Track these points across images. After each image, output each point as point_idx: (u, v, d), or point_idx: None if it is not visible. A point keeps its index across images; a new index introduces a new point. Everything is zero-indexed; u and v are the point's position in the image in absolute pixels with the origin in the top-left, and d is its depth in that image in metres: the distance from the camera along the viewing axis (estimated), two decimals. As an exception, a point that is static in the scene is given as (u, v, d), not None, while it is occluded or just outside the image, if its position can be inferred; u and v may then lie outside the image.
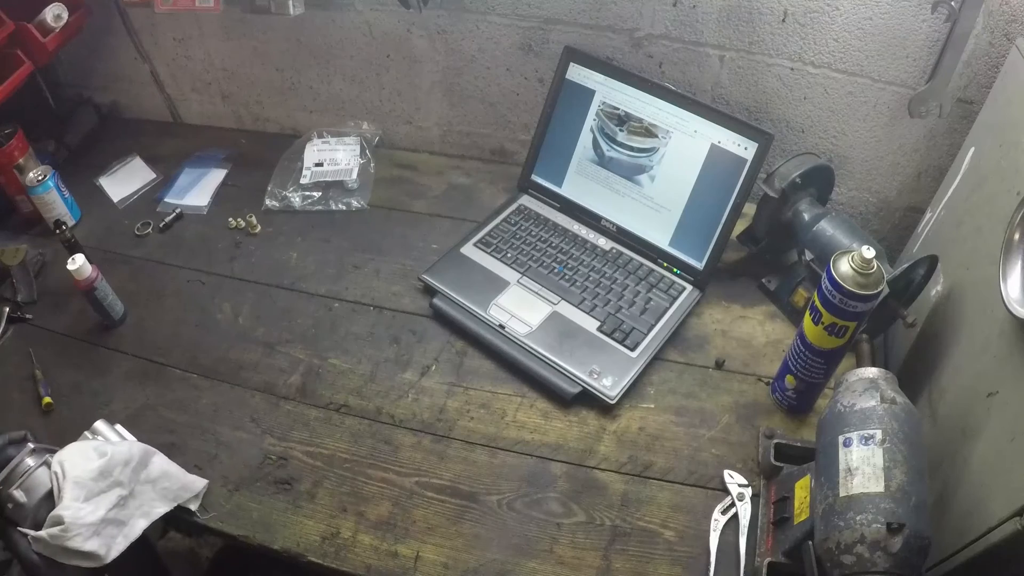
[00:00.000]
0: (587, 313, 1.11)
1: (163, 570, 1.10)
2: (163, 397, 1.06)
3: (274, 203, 1.34)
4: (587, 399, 1.02)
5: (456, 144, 1.47)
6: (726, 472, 0.93)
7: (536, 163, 1.28)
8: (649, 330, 1.08)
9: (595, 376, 1.02)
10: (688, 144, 1.12)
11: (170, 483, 0.90)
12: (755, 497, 0.91)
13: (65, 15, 1.25)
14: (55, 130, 1.48)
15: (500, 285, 1.15)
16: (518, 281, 1.16)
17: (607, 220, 1.22)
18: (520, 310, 1.11)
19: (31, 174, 1.24)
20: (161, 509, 0.88)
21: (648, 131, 1.15)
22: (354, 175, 1.36)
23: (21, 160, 1.27)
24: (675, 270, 1.16)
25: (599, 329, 1.09)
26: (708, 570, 0.85)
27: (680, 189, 1.14)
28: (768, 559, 0.82)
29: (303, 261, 1.25)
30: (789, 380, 0.97)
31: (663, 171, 1.15)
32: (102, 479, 0.83)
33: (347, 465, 0.97)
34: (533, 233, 1.23)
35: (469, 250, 1.21)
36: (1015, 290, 0.72)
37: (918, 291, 0.98)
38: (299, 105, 1.50)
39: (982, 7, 0.95)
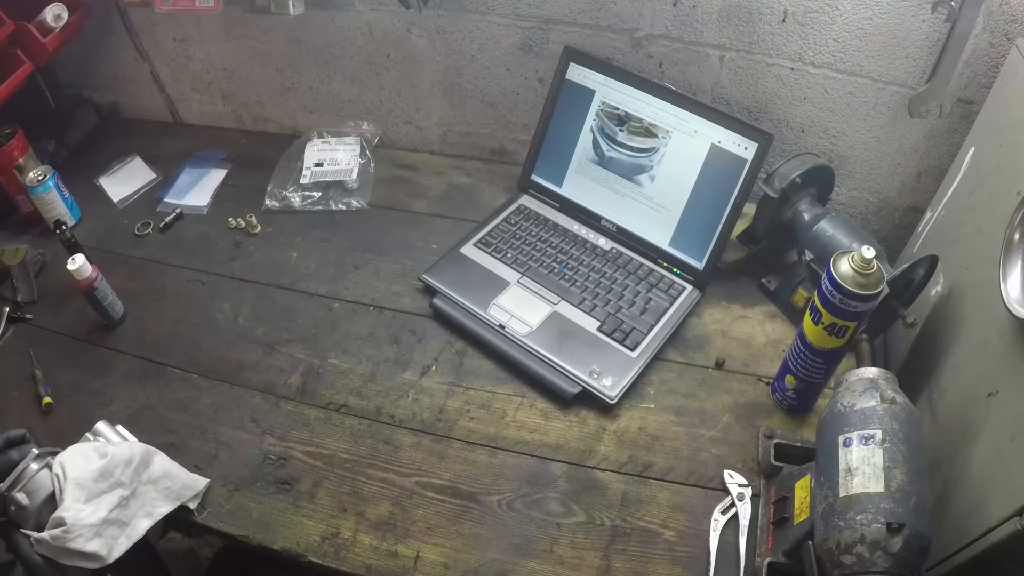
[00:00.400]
0: (587, 313, 1.11)
1: (163, 570, 1.10)
2: (163, 397, 1.06)
3: (274, 203, 1.34)
4: (587, 399, 1.02)
5: (456, 144, 1.47)
6: (726, 472, 0.93)
7: (536, 163, 1.28)
8: (649, 330, 1.08)
9: (595, 376, 1.02)
10: (688, 144, 1.12)
11: (172, 482, 0.90)
12: (755, 497, 0.91)
13: (65, 15, 1.25)
14: (55, 130, 1.48)
15: (500, 285, 1.15)
16: (518, 281, 1.16)
17: (607, 220, 1.22)
18: (520, 310, 1.11)
19: (31, 174, 1.24)
20: (164, 508, 0.88)
21: (648, 131, 1.15)
22: (354, 175, 1.36)
23: (21, 160, 1.27)
24: (675, 270, 1.16)
25: (599, 329, 1.09)
26: (708, 570, 0.85)
27: (680, 189, 1.14)
28: (768, 559, 0.82)
29: (303, 261, 1.25)
30: (789, 380, 0.97)
31: (663, 171, 1.15)
32: (103, 480, 0.83)
33: (347, 465, 0.97)
34: (533, 233, 1.23)
35: (469, 250, 1.21)
36: (1015, 290, 0.72)
37: (918, 291, 0.98)
38: (299, 105, 1.50)
39: (982, 7, 0.95)
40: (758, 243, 1.17)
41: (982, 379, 0.78)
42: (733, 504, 0.90)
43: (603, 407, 1.01)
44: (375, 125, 1.46)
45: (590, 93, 1.19)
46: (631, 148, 1.17)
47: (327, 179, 1.36)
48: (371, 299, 1.18)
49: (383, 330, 1.13)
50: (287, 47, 1.41)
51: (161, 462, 0.91)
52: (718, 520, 0.89)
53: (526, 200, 1.29)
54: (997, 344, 0.77)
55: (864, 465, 0.72)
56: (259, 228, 1.30)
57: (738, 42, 1.14)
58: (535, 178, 1.29)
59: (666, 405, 1.02)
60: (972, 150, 0.97)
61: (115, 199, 1.39)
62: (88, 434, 0.92)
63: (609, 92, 1.17)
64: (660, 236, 1.17)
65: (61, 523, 0.78)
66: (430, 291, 1.16)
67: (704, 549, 0.87)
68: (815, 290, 0.87)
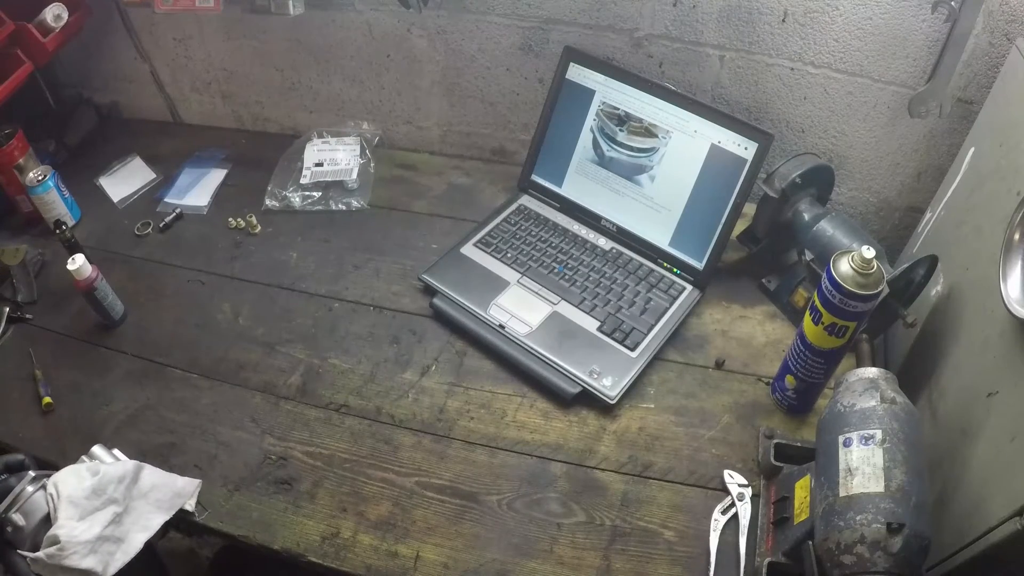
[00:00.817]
0: (587, 313, 1.11)
1: (163, 570, 1.10)
2: (163, 397, 1.06)
3: (274, 203, 1.34)
4: (587, 399, 1.02)
5: (456, 144, 1.47)
6: (726, 472, 0.93)
7: (536, 163, 1.28)
8: (649, 330, 1.08)
9: (595, 376, 1.02)
10: (688, 144, 1.12)
11: (162, 493, 0.90)
12: (755, 497, 0.91)
13: (65, 15, 1.25)
14: (55, 130, 1.48)
15: (500, 285, 1.15)
16: (518, 281, 1.16)
17: (607, 220, 1.22)
18: (520, 310, 1.11)
19: (31, 174, 1.24)
20: (159, 520, 0.88)
21: (648, 131, 1.15)
22: (354, 175, 1.36)
23: (21, 160, 1.27)
24: (675, 270, 1.16)
25: (599, 329, 1.09)
26: (708, 570, 0.85)
27: (680, 189, 1.14)
28: (768, 559, 0.82)
29: (303, 261, 1.25)
30: (789, 380, 0.97)
31: (663, 171, 1.15)
32: (95, 497, 0.83)
33: (347, 465, 0.97)
34: (533, 233, 1.23)
35: (469, 250, 1.21)
36: (1015, 290, 0.72)
37: (918, 291, 0.98)
38: (299, 105, 1.50)
39: (982, 7, 0.95)
40: (758, 243, 1.17)
41: (982, 379, 0.78)
42: (733, 504, 0.90)
43: (603, 407, 1.01)
44: (375, 125, 1.46)
45: (590, 93, 1.19)
46: (631, 148, 1.17)
47: (327, 179, 1.36)
48: (371, 299, 1.18)
49: (383, 330, 1.13)
50: (287, 47, 1.41)
51: (149, 475, 0.91)
52: (718, 520, 0.89)
53: (526, 200, 1.29)
54: (997, 344, 0.77)
55: (864, 465, 0.72)
56: (259, 228, 1.30)
57: (738, 42, 1.14)
58: (535, 178, 1.29)
59: (666, 405, 1.02)
60: (972, 150, 0.97)
61: (115, 199, 1.39)
62: (84, 456, 0.92)
63: (609, 92, 1.17)
64: (660, 236, 1.17)
65: (56, 541, 0.78)
66: (430, 291, 1.16)
67: (704, 549, 0.87)
68: (815, 290, 0.87)
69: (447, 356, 1.09)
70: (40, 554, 0.78)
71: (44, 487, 0.83)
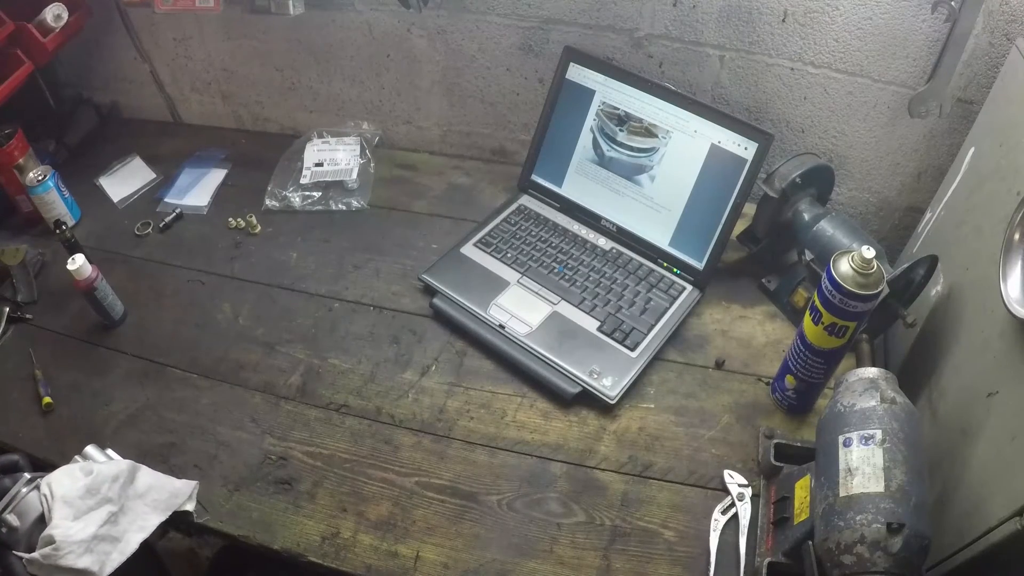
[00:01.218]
0: (587, 313, 1.11)
1: (163, 570, 1.10)
2: (163, 397, 1.06)
3: (274, 203, 1.34)
4: (587, 399, 1.02)
5: (456, 144, 1.47)
6: (726, 472, 0.93)
7: (536, 163, 1.28)
8: (649, 330, 1.08)
9: (595, 376, 1.02)
10: (688, 144, 1.12)
11: (159, 494, 0.90)
12: (755, 497, 0.91)
13: (65, 15, 1.25)
14: (55, 130, 1.48)
15: (500, 285, 1.15)
16: (518, 281, 1.16)
17: (607, 220, 1.22)
18: (520, 310, 1.11)
19: (31, 174, 1.24)
20: (155, 520, 0.88)
21: (648, 131, 1.15)
22: (354, 175, 1.36)
23: (21, 160, 1.27)
24: (675, 270, 1.16)
25: (599, 329, 1.09)
26: (708, 570, 0.85)
27: (680, 189, 1.14)
28: (768, 559, 0.82)
29: (303, 261, 1.25)
30: (789, 380, 0.97)
31: (663, 171, 1.15)
32: (90, 496, 0.83)
33: (347, 465, 0.97)
34: (533, 233, 1.23)
35: (469, 250, 1.21)
36: (1015, 290, 0.72)
37: (918, 291, 0.98)
38: (299, 105, 1.50)
39: (982, 7, 0.95)
40: (758, 243, 1.17)
41: (982, 379, 0.78)
42: (733, 504, 0.90)
43: (603, 407, 1.01)
44: (375, 125, 1.46)
45: (590, 93, 1.19)
46: (631, 148, 1.17)
47: (327, 179, 1.36)
48: (371, 299, 1.18)
49: (383, 330, 1.13)
50: (287, 47, 1.41)
51: (145, 476, 0.90)
52: (718, 520, 0.89)
53: (526, 200, 1.29)
54: (997, 344, 0.77)
55: (864, 465, 0.72)
56: (259, 228, 1.30)
57: (738, 42, 1.14)
58: (535, 178, 1.29)
59: (666, 405, 1.02)
60: (972, 150, 0.97)
61: (115, 199, 1.39)
62: (77, 456, 0.92)
63: (609, 92, 1.17)
64: (660, 236, 1.17)
65: (51, 541, 0.78)
66: (430, 291, 1.16)
67: (704, 549, 0.87)
68: (815, 290, 0.87)
69: (447, 356, 1.09)
70: (36, 555, 0.78)
71: (38, 488, 0.83)
